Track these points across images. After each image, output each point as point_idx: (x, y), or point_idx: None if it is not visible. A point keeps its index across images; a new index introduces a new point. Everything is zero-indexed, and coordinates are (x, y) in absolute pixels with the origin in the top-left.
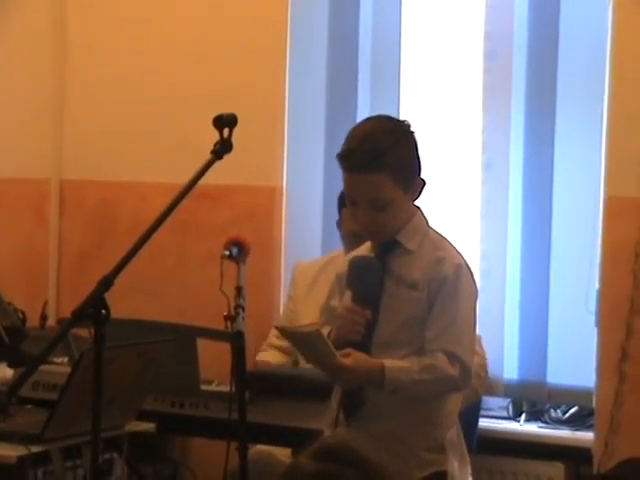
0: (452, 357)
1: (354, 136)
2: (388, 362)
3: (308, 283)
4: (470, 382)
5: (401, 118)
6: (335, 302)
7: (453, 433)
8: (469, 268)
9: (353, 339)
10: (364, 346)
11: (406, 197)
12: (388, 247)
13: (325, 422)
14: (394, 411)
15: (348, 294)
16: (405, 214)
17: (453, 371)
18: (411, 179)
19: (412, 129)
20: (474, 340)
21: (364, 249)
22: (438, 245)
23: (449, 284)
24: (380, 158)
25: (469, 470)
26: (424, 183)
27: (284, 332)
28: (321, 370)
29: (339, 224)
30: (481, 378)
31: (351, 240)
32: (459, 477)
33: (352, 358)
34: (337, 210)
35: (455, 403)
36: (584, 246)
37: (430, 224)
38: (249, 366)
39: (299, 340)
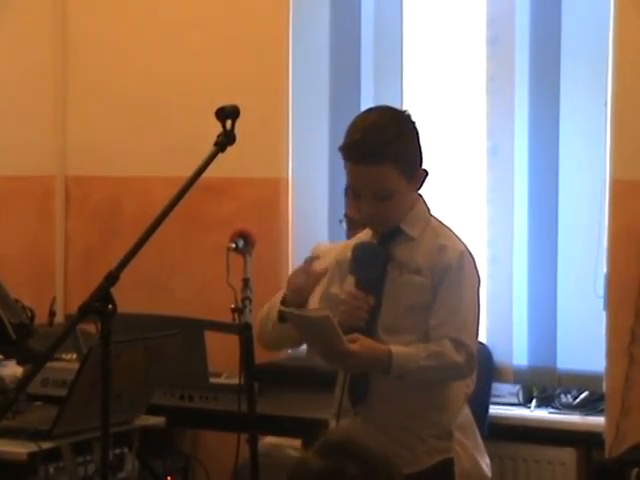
0: (458, 344)
1: (357, 128)
2: (395, 348)
3: (326, 266)
4: (475, 369)
5: (402, 108)
6: (335, 289)
7: (464, 418)
8: (471, 255)
9: (356, 325)
10: (367, 332)
11: (409, 187)
12: (391, 234)
13: (331, 412)
14: (400, 399)
15: (351, 280)
16: (407, 204)
17: (459, 358)
18: (414, 169)
19: (413, 119)
20: (478, 327)
21: (365, 235)
22: (440, 233)
23: (453, 272)
24: (384, 150)
25: (485, 454)
26: (426, 173)
27: (291, 316)
28: (323, 356)
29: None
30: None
31: (351, 226)
32: (473, 461)
33: (359, 344)
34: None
35: (459, 389)
36: (591, 230)
37: (432, 212)
38: (259, 355)
39: (306, 324)
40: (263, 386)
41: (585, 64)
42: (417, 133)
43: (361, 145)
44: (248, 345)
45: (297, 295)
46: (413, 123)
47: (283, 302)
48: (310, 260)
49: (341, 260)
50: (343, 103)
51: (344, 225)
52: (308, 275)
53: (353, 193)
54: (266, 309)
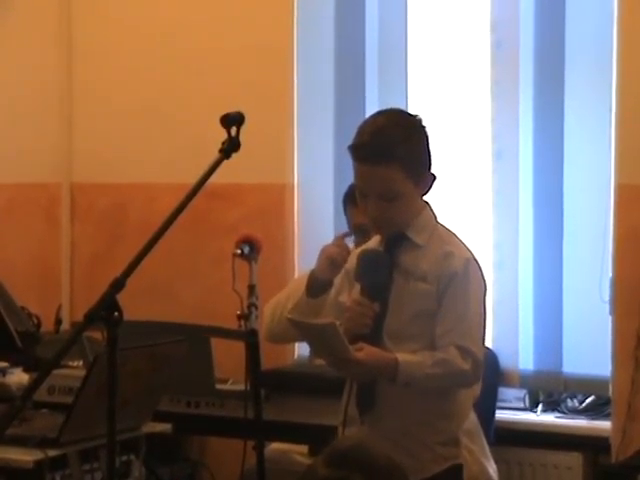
0: (464, 352)
1: (366, 128)
2: (401, 356)
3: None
4: (481, 376)
5: (413, 112)
6: (343, 297)
7: (471, 424)
8: (477, 262)
9: (361, 332)
10: (373, 339)
11: (416, 191)
12: (397, 241)
13: (338, 419)
14: (407, 407)
15: (357, 287)
16: (414, 208)
17: (465, 365)
18: (422, 173)
19: (424, 124)
20: (484, 334)
21: (373, 243)
22: (446, 240)
23: (458, 279)
24: (392, 150)
25: (491, 459)
26: (434, 178)
27: (297, 324)
28: (330, 364)
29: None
30: None
31: (358, 235)
32: (480, 466)
33: (365, 352)
34: (343, 210)
35: (467, 396)
36: (596, 235)
37: (439, 219)
38: (265, 362)
39: (312, 333)
40: (269, 392)
41: (590, 68)
42: (426, 137)
43: (369, 145)
44: (254, 351)
45: (329, 265)
46: (423, 127)
47: (311, 276)
48: (343, 235)
49: (349, 268)
50: (348, 108)
51: (353, 239)
52: (341, 248)
53: (360, 193)
54: (284, 297)
